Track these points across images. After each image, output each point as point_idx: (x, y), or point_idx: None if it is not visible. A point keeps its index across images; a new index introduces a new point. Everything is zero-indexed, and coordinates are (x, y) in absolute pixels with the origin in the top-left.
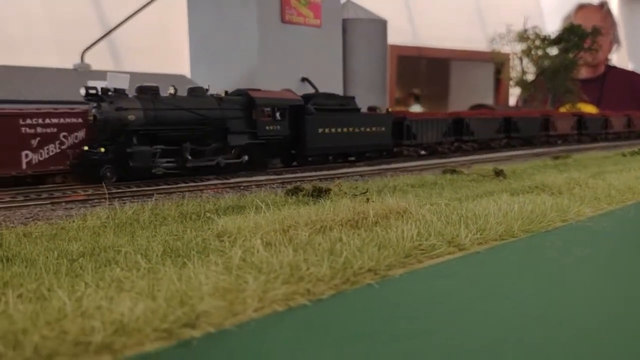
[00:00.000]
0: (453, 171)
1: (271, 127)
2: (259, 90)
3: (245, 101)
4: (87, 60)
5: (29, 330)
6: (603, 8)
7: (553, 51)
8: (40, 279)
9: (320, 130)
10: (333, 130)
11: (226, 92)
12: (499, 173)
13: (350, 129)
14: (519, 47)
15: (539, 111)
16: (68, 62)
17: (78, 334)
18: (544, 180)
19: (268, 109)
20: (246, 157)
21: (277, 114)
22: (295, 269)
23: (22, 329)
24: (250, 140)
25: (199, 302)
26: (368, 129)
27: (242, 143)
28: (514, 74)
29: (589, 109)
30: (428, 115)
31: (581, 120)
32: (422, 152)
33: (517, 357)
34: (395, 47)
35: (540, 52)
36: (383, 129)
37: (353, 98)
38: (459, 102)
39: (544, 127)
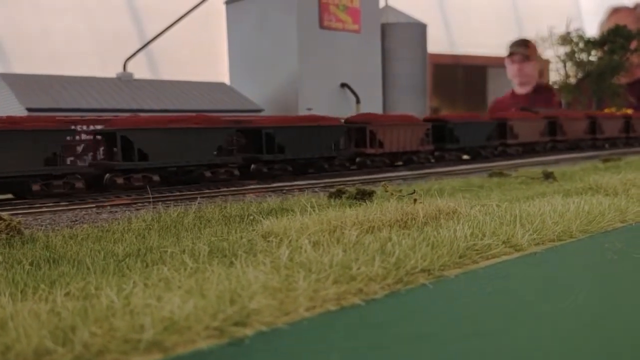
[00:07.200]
0: (500, 174)
1: None
2: None
3: None
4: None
5: (77, 327)
6: (636, 10)
7: (597, 54)
8: (87, 278)
9: None
10: None
11: None
12: (548, 175)
13: None
14: (562, 50)
15: (407, 116)
16: (108, 72)
17: (127, 331)
18: (597, 182)
19: None
20: None
21: None
22: (345, 268)
23: (70, 325)
24: None
25: (250, 301)
26: None
27: None
28: (557, 77)
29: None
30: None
31: (504, 125)
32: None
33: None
34: (431, 56)
35: (583, 55)
36: None
37: None
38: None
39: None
